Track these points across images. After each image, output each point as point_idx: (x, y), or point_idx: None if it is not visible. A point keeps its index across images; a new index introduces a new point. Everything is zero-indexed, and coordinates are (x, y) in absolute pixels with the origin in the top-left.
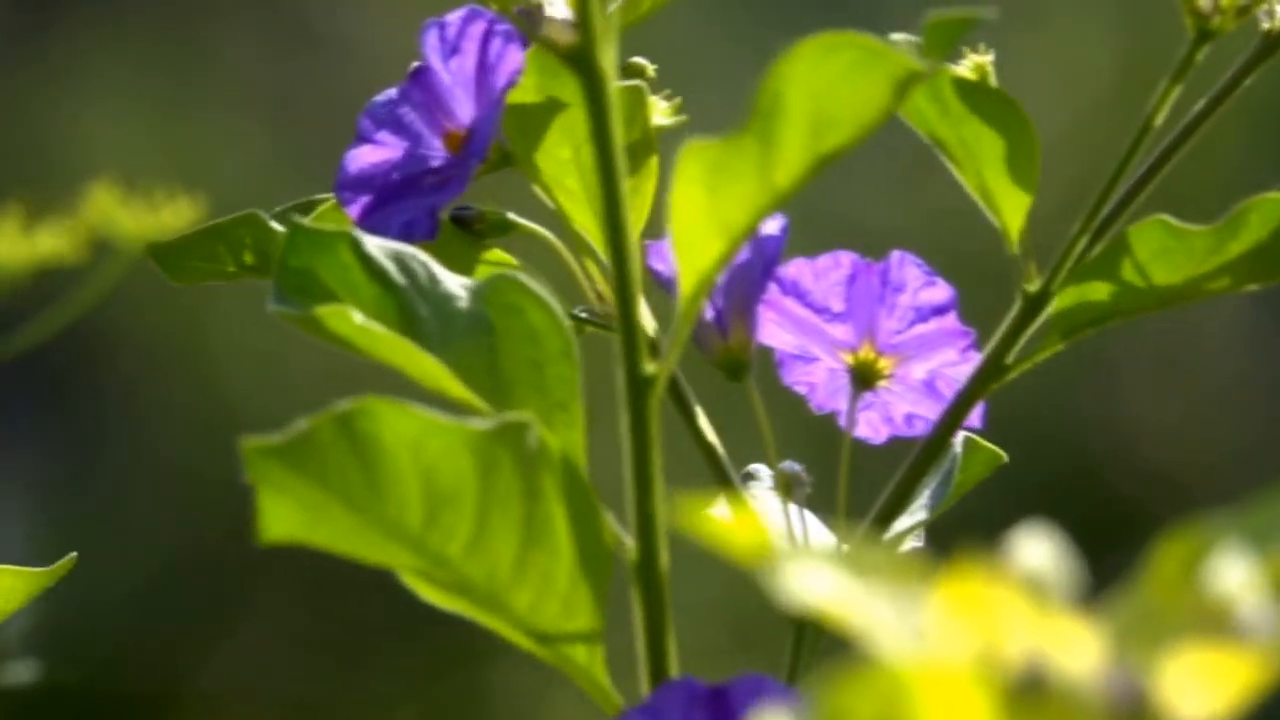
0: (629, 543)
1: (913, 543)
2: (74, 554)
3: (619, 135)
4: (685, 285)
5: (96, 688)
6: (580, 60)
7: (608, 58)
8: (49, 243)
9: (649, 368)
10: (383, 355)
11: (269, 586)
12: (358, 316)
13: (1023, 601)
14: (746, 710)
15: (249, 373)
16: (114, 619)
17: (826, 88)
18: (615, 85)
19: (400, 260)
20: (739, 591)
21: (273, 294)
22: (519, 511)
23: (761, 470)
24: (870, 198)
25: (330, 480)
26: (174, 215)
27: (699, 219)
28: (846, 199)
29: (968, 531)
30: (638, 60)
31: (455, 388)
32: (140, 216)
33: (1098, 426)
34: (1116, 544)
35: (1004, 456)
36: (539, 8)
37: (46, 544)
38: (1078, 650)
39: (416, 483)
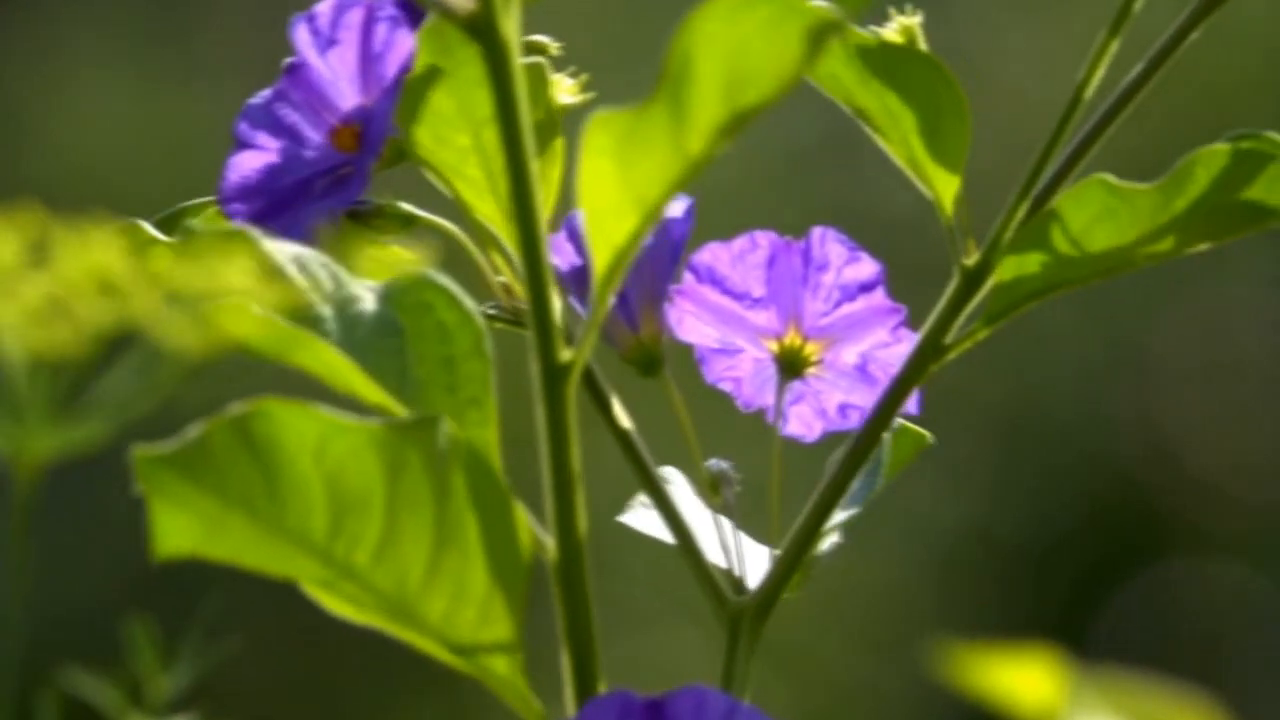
0: (548, 542)
1: (834, 539)
2: None
3: (526, 110)
4: (599, 263)
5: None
6: (482, 30)
7: (510, 27)
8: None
9: (564, 355)
10: (285, 354)
11: (246, 594)
12: (257, 310)
13: None
14: None
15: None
16: (82, 629)
17: (739, 45)
18: (519, 58)
19: (300, 262)
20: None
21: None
22: (430, 514)
23: (673, 474)
24: (792, 172)
25: (228, 489)
26: None
27: (610, 193)
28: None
29: (1006, 542)
30: (538, 38)
31: (365, 387)
32: None
33: (1136, 431)
34: (1157, 550)
35: (929, 438)
36: None
37: None
38: None
39: (320, 488)
